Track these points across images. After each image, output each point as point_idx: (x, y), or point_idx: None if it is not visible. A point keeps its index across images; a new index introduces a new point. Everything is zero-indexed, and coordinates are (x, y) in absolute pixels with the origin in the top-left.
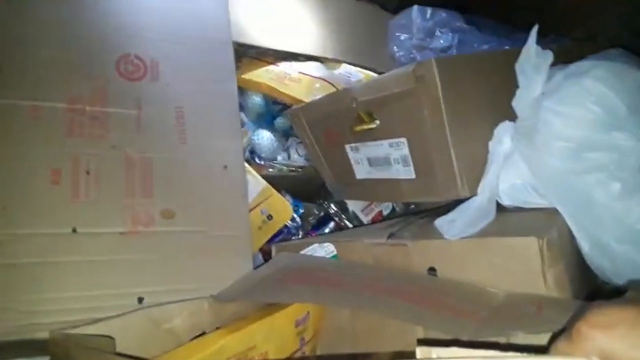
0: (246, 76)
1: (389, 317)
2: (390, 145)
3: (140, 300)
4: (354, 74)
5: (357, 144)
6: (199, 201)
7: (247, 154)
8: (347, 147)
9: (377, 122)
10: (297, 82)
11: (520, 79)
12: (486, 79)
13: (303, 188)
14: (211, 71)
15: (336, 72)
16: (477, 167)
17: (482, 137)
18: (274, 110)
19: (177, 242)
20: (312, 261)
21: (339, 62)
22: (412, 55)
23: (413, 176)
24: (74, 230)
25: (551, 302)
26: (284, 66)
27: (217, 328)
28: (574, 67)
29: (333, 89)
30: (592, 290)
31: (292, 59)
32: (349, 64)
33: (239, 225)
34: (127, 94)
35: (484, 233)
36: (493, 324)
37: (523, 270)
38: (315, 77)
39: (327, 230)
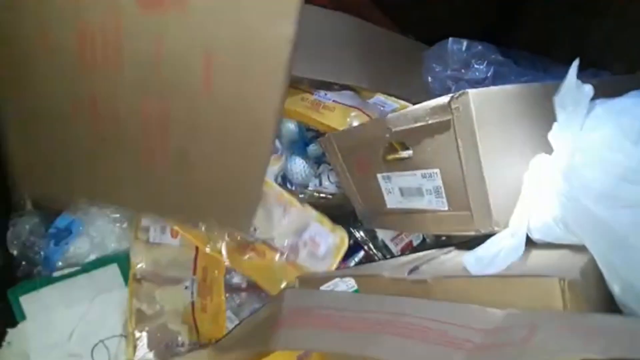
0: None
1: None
2: (423, 176)
3: None
4: (388, 103)
5: (389, 174)
6: (217, 165)
7: (280, 179)
8: (379, 176)
9: (410, 152)
10: (331, 110)
11: (559, 113)
12: (524, 112)
13: (333, 215)
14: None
15: (370, 101)
16: (513, 201)
17: (518, 171)
18: (307, 137)
19: None
20: (317, 298)
21: (373, 91)
22: (447, 86)
23: (445, 208)
24: None
25: (555, 322)
26: (319, 94)
27: None
28: (614, 102)
29: (367, 118)
30: None
31: (326, 88)
32: (383, 93)
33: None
34: (144, 31)
35: (508, 271)
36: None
37: None
38: (349, 105)
39: (356, 259)
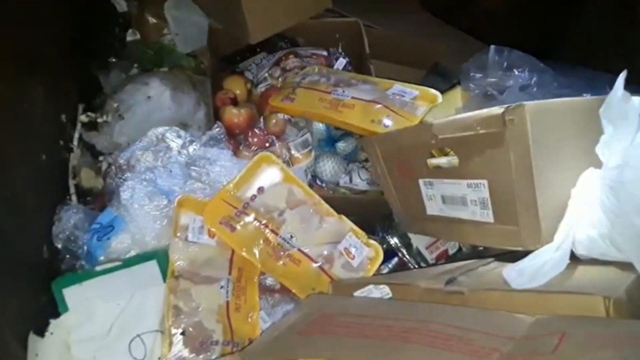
0: (303, 108)
1: None
2: (469, 186)
3: None
4: (407, 91)
5: (432, 180)
6: None
7: (310, 176)
8: (421, 181)
9: (456, 160)
10: (351, 108)
11: (605, 126)
12: (577, 126)
13: (365, 216)
14: None
15: (389, 92)
16: (560, 217)
17: (567, 186)
18: (336, 135)
19: None
20: (342, 305)
21: (391, 80)
22: (489, 93)
23: (491, 220)
24: None
25: (585, 329)
26: (336, 92)
27: None
28: None
29: (389, 112)
30: None
31: (344, 85)
32: (402, 81)
33: None
34: None
35: (549, 287)
36: None
37: None
38: (369, 100)
39: (390, 266)
